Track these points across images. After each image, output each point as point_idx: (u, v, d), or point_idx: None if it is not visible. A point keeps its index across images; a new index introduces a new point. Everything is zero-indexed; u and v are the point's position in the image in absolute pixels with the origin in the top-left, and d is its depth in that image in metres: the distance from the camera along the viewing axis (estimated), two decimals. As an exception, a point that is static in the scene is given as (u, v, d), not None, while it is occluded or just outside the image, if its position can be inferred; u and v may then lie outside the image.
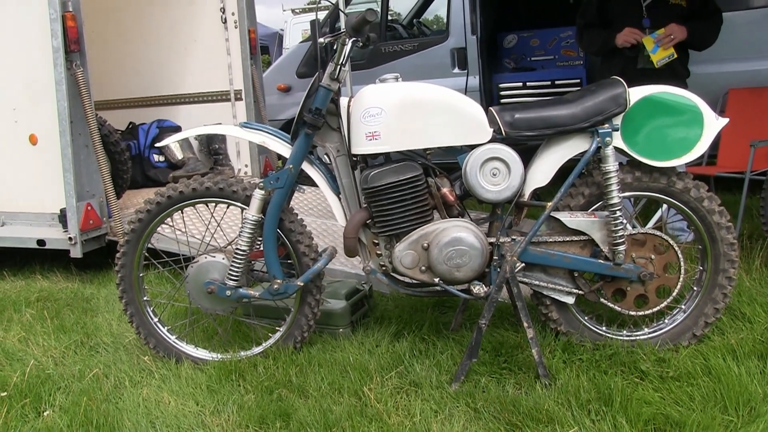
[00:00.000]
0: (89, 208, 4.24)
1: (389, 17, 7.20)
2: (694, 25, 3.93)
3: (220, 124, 4.87)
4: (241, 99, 5.76)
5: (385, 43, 6.37)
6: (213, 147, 5.77)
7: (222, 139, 5.73)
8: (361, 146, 2.69)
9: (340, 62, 2.64)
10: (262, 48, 13.36)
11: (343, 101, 2.77)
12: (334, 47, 2.66)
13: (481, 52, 6.04)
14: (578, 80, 6.10)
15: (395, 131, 2.66)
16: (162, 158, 5.79)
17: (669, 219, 3.79)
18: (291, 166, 2.77)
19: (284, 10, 15.55)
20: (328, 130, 2.81)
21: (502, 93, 6.31)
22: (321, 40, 2.66)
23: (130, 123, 5.94)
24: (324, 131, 2.80)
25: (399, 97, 2.67)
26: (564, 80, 6.15)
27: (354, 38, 2.62)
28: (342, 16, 3.00)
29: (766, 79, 4.90)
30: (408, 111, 2.66)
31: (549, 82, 6.22)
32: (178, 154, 5.72)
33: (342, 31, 2.61)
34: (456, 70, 6.11)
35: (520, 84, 6.29)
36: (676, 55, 3.91)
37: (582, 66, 6.30)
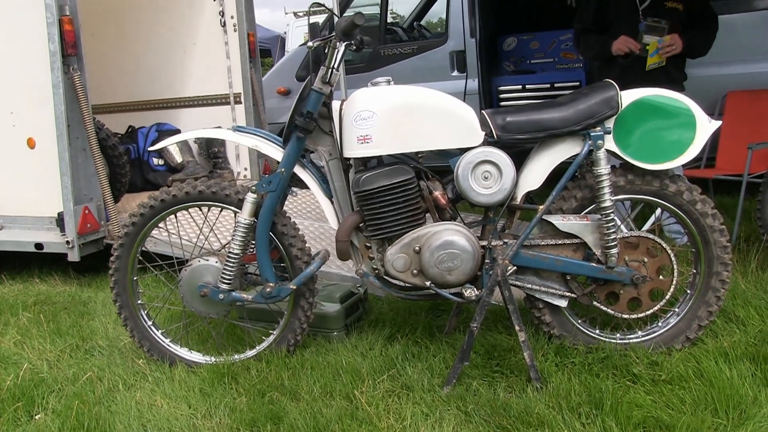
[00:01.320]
0: (87, 211, 4.25)
1: (391, 20, 7.20)
2: (690, 36, 3.94)
3: (220, 127, 4.87)
4: (240, 102, 5.77)
5: (384, 46, 6.37)
6: (212, 150, 5.78)
7: (221, 142, 5.74)
8: (353, 150, 2.69)
9: (331, 66, 2.64)
10: (264, 51, 13.39)
11: (335, 104, 2.77)
12: (326, 51, 2.66)
13: (480, 55, 6.04)
14: (578, 83, 6.08)
15: (387, 134, 2.66)
16: (161, 162, 5.80)
17: (665, 222, 3.79)
18: (283, 169, 2.77)
19: (286, 13, 15.58)
20: (320, 133, 2.81)
21: (502, 96, 6.31)
22: (310, 43, 2.67)
23: (130, 126, 5.96)
24: (316, 135, 2.81)
25: (390, 100, 2.68)
26: (563, 83, 6.13)
27: (346, 42, 2.62)
28: (335, 20, 3.00)
29: (764, 82, 4.89)
30: (399, 114, 2.67)
31: (548, 85, 6.20)
32: (178, 158, 5.73)
33: (332, 34, 2.61)
34: (455, 73, 6.11)
35: (520, 87, 6.28)
36: (664, 63, 3.93)
37: (582, 69, 6.29)
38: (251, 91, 5.69)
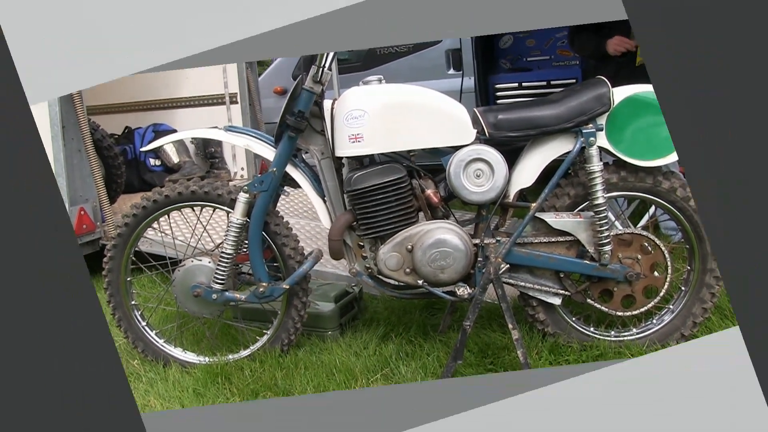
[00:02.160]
0: (82, 212, 4.25)
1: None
2: None
3: (216, 127, 4.87)
4: (236, 102, 5.76)
5: (380, 45, 6.36)
6: (209, 151, 5.78)
7: (218, 142, 5.73)
8: (345, 149, 2.68)
9: (322, 65, 2.63)
10: (263, 51, 13.35)
11: (327, 103, 2.77)
12: (317, 50, 2.66)
13: (477, 52, 6.03)
14: (574, 80, 6.05)
15: (378, 133, 2.65)
16: (158, 162, 5.80)
17: (661, 218, 3.77)
18: (275, 169, 2.77)
19: (285, 13, 15.56)
20: (312, 132, 2.81)
21: (498, 94, 6.29)
22: (299, 42, 2.66)
23: (126, 127, 5.95)
24: (308, 134, 2.80)
25: (382, 99, 2.67)
26: (560, 80, 6.11)
27: (337, 40, 2.62)
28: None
29: (760, 78, 4.87)
30: (391, 113, 2.66)
31: (545, 83, 6.18)
32: (174, 158, 5.72)
33: (322, 33, 2.61)
34: (451, 72, 6.10)
35: (516, 84, 6.27)
36: None
37: (578, 66, 6.26)
38: (247, 90, 5.68)
